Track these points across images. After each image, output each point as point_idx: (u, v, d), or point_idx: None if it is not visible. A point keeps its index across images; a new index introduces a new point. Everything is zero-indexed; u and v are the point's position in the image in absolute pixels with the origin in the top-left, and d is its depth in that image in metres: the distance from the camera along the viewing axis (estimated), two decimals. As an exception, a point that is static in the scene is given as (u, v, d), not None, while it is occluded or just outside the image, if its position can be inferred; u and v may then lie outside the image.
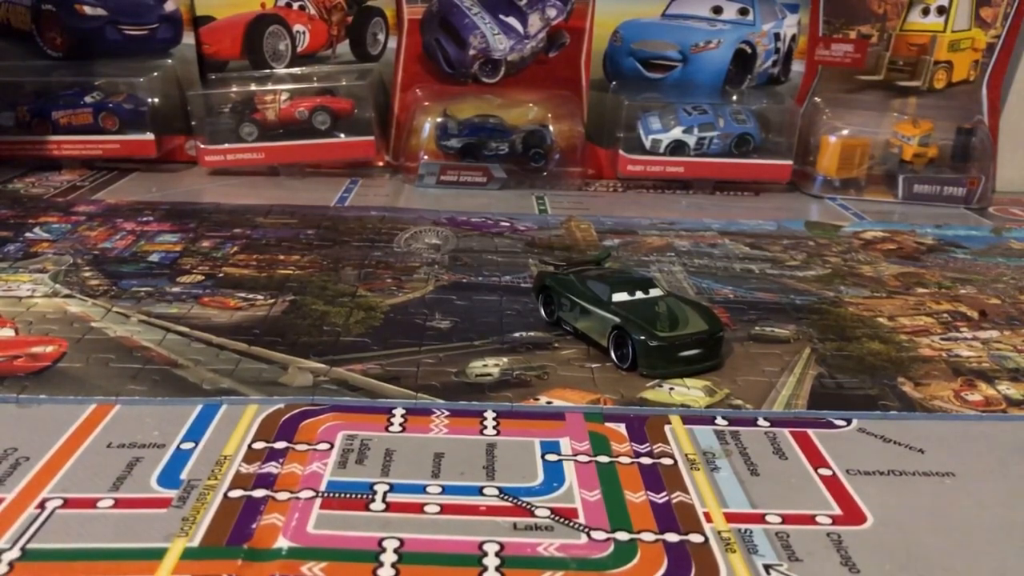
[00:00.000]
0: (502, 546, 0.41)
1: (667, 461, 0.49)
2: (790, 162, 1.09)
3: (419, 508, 0.44)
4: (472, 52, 1.11)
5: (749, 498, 0.46)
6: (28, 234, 0.85)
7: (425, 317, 0.68)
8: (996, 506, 0.46)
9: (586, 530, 0.43)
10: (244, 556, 0.40)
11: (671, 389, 0.57)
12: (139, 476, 0.46)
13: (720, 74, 1.14)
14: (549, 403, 0.55)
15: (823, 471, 0.49)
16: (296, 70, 1.14)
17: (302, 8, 1.12)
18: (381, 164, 1.13)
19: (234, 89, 1.10)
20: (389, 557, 0.40)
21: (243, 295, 0.71)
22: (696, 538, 0.42)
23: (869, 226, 0.98)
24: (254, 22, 1.12)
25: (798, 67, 1.15)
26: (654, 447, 0.51)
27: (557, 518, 0.44)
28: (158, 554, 0.40)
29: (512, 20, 1.11)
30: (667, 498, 0.46)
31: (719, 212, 1.01)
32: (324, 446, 0.49)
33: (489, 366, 0.60)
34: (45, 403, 0.53)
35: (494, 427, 0.52)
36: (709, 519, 0.44)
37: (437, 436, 0.51)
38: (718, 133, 1.08)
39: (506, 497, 0.45)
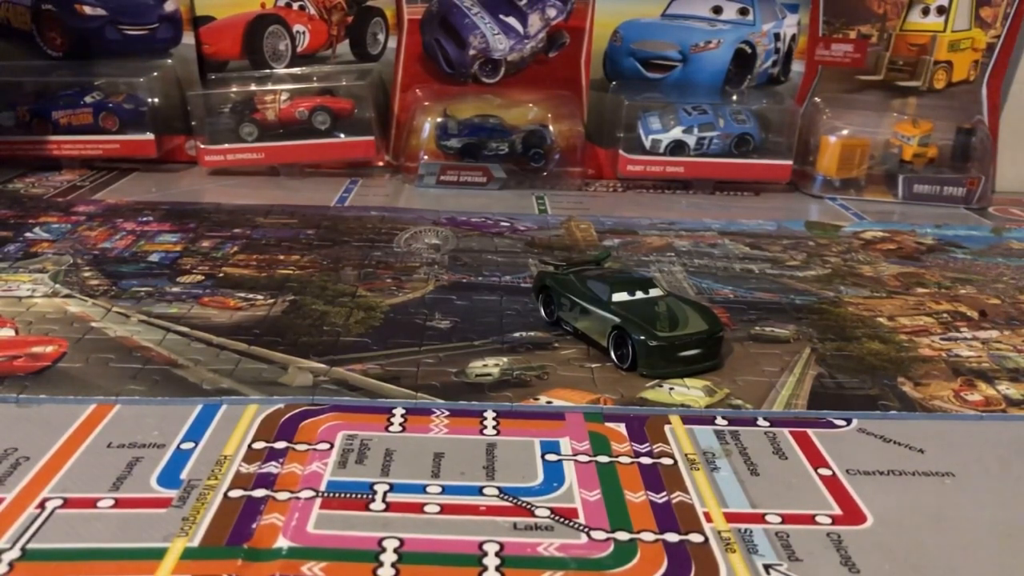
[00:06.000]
0: (502, 546, 0.41)
1: (667, 461, 0.49)
2: (790, 162, 1.09)
3: (419, 508, 0.44)
4: (472, 52, 1.11)
5: (749, 498, 0.46)
6: (28, 234, 0.85)
7: (425, 317, 0.68)
8: (996, 506, 0.46)
9: (586, 530, 0.43)
10: (244, 556, 0.40)
11: (671, 389, 0.57)
12: (139, 476, 0.46)
13: (720, 74, 1.14)
14: (549, 403, 0.55)
15: (823, 471, 0.49)
16: (296, 70, 1.14)
17: (302, 8, 1.12)
18: (381, 164, 1.13)
19: (234, 89, 1.10)
20: (389, 557, 0.40)
21: (243, 295, 0.71)
22: (696, 538, 0.43)
23: (869, 226, 0.98)
24: (254, 22, 1.12)
25: (798, 67, 1.15)
26: (654, 447, 0.51)
27: (557, 518, 0.44)
28: (158, 554, 0.40)
29: (512, 20, 1.11)
30: (667, 498, 0.46)
31: (719, 212, 1.01)
32: (324, 446, 0.49)
33: (489, 366, 0.60)
34: (45, 403, 0.53)
35: (494, 427, 0.52)
36: (709, 519, 0.44)
37: (437, 436, 0.51)
38: (718, 133, 1.08)
39: (506, 497, 0.45)
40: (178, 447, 0.49)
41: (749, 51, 1.13)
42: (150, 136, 1.09)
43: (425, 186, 1.07)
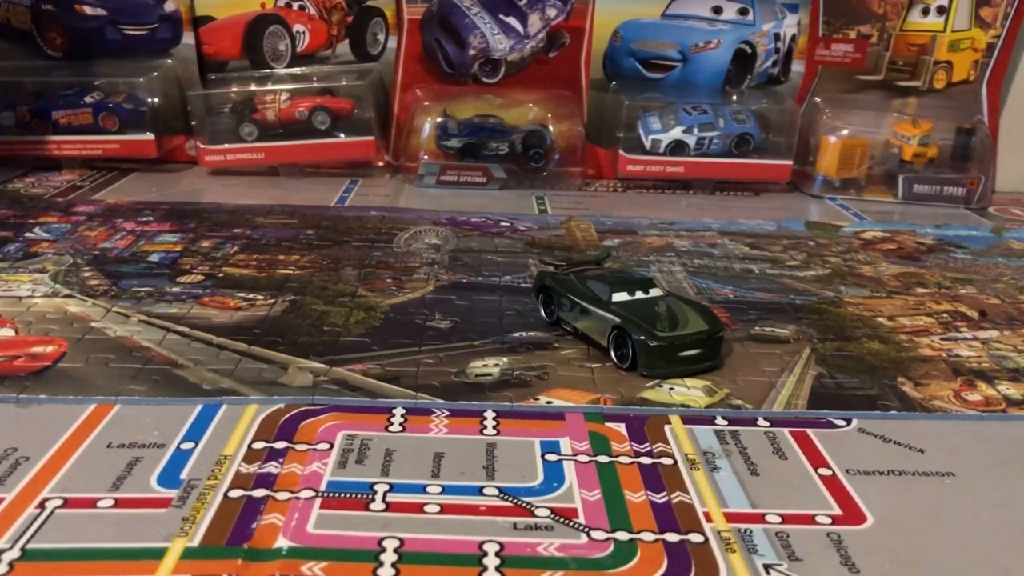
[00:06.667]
0: (502, 546, 0.41)
1: (667, 461, 0.49)
2: (790, 162, 1.09)
3: (419, 508, 0.44)
4: (472, 52, 1.11)
5: (749, 498, 0.46)
6: (28, 234, 0.85)
7: (425, 317, 0.68)
8: (996, 506, 0.46)
9: (586, 530, 0.43)
10: (244, 556, 0.40)
11: (671, 389, 0.57)
12: (139, 476, 0.46)
13: (720, 74, 1.14)
14: (549, 403, 0.55)
15: (823, 471, 0.49)
16: (296, 70, 1.14)
17: (302, 8, 1.12)
18: (381, 164, 1.13)
19: (234, 89, 1.10)
20: (389, 557, 0.40)
21: (243, 295, 0.71)
22: (696, 538, 0.43)
23: (869, 226, 0.98)
24: (254, 22, 1.12)
25: (798, 67, 1.15)
26: (654, 447, 0.51)
27: (557, 518, 0.44)
28: (158, 554, 0.40)
29: (512, 20, 1.11)
30: (667, 498, 0.46)
31: (719, 212, 1.01)
32: (324, 446, 0.49)
33: (489, 366, 0.60)
34: (45, 403, 0.53)
35: (494, 427, 0.52)
36: (709, 519, 0.44)
37: (437, 436, 0.51)
38: (718, 133, 1.08)
39: (506, 497, 0.45)
40: (178, 447, 0.49)
41: (749, 51, 1.13)
42: (150, 136, 1.09)
43: (425, 186, 1.07)
